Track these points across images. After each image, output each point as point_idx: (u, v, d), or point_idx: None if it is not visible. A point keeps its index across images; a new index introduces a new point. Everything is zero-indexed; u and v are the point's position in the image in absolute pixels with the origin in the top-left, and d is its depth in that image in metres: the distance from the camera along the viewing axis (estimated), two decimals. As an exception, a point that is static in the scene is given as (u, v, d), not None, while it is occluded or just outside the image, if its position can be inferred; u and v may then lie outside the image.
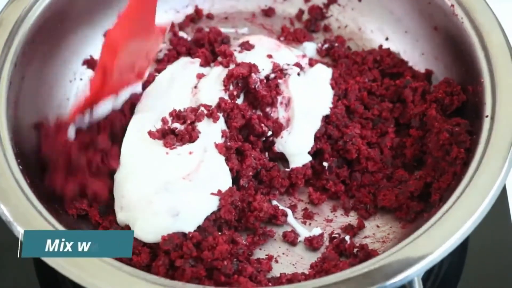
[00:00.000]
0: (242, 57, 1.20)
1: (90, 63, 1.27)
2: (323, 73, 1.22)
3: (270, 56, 1.20)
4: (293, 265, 1.05)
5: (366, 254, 1.02)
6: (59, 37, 1.20)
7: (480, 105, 1.04)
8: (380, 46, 1.30)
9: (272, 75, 1.16)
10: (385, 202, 1.09)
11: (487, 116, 1.01)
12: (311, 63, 1.24)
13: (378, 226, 1.09)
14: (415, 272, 0.86)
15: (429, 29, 1.22)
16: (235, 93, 1.13)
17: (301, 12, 1.38)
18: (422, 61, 1.25)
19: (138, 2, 1.05)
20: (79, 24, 1.24)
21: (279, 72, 1.17)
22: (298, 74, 1.19)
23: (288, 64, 1.20)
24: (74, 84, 1.25)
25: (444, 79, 1.15)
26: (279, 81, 1.16)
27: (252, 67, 1.14)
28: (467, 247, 1.14)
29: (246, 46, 1.24)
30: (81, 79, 1.26)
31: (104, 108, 1.08)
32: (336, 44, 1.32)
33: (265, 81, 1.15)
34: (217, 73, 1.17)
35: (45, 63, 1.17)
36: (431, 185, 1.06)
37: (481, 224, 0.91)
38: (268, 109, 1.14)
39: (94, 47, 1.27)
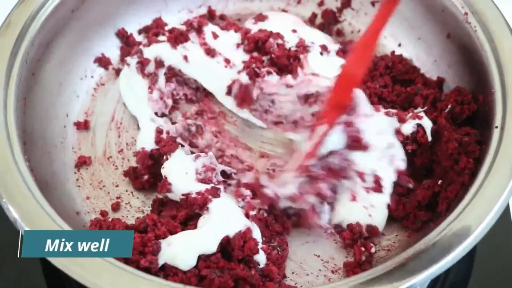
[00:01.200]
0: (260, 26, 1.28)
1: (101, 61, 1.28)
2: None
3: (294, 31, 1.25)
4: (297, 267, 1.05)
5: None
6: (71, 35, 1.20)
7: (490, 115, 1.03)
8: (393, 52, 1.29)
9: (294, 48, 1.21)
10: (392, 211, 1.08)
11: (496, 127, 1.00)
12: (339, 54, 1.24)
13: (383, 234, 1.08)
14: (419, 281, 0.86)
15: (442, 37, 1.21)
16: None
17: (314, 15, 1.37)
18: (434, 68, 1.24)
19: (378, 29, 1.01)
20: (90, 22, 1.24)
21: (302, 47, 1.21)
22: (321, 54, 1.21)
23: (313, 43, 1.22)
24: (85, 81, 1.25)
25: (456, 88, 1.14)
26: (301, 56, 1.20)
27: (272, 34, 1.23)
28: (475, 256, 1.13)
29: (260, 18, 1.30)
30: (92, 77, 1.26)
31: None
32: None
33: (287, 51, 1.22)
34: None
35: (56, 61, 1.18)
36: (438, 195, 1.06)
37: (490, 233, 0.91)
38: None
39: (105, 45, 1.28)
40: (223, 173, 1.10)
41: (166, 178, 1.06)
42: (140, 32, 1.33)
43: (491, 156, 0.97)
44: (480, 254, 1.12)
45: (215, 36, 1.25)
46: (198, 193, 1.03)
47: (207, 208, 1.02)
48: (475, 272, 1.12)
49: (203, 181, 1.06)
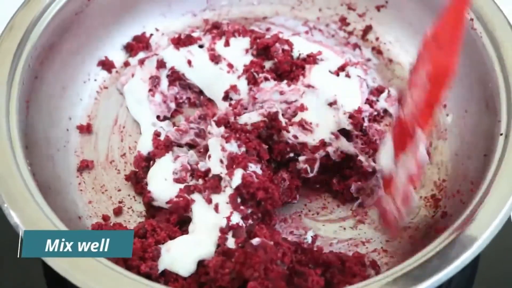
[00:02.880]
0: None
1: (104, 64, 1.27)
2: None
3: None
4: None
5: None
6: (74, 38, 1.20)
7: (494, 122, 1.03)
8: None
9: (304, 56, 1.22)
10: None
11: (501, 134, 0.99)
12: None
13: (387, 241, 1.08)
14: (422, 291, 0.85)
15: (447, 42, 1.21)
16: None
17: (318, 19, 1.37)
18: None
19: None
20: (94, 25, 1.24)
21: (312, 58, 1.21)
22: (330, 72, 1.20)
23: (322, 60, 1.22)
24: (88, 85, 1.25)
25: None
26: (306, 66, 1.20)
27: (280, 39, 1.24)
28: (478, 263, 1.12)
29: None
30: (95, 80, 1.26)
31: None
32: (353, 53, 1.32)
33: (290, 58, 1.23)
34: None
35: (59, 64, 1.17)
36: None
37: (494, 240, 0.90)
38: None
39: (108, 48, 1.28)
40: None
41: (146, 186, 1.07)
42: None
43: (495, 164, 0.96)
44: (484, 262, 1.12)
45: (227, 43, 1.26)
46: (177, 196, 1.03)
47: (191, 210, 1.02)
48: (478, 280, 1.12)
49: (178, 181, 1.06)
